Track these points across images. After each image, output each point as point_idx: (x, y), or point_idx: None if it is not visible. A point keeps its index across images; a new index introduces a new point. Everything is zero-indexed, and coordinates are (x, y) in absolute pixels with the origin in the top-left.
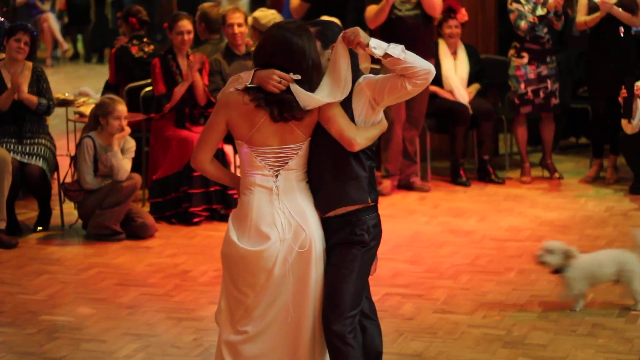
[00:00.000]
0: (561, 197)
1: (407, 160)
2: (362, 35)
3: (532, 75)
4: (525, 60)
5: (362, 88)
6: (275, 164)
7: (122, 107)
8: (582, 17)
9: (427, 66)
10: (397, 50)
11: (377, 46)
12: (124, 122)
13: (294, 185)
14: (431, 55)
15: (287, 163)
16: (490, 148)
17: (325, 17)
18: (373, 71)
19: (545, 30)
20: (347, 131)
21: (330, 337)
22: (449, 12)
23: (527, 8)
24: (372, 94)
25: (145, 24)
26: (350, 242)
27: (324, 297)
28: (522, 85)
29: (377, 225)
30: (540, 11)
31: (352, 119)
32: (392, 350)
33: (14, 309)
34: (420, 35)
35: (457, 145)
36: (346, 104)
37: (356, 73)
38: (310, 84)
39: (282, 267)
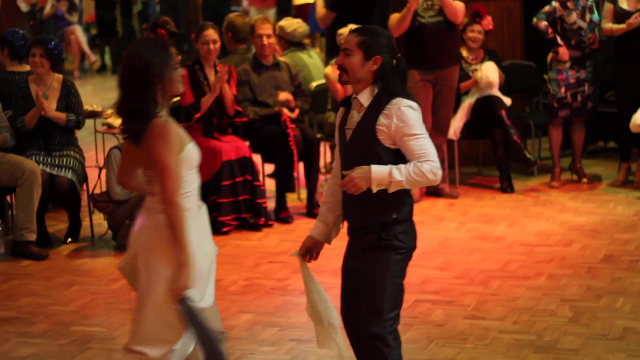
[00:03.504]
0: (590, 202)
1: None
2: (362, 183)
3: (572, 80)
4: (568, 64)
5: (390, 129)
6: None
7: None
8: (608, 23)
9: (432, 180)
10: (400, 176)
11: (379, 185)
12: None
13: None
14: (456, 61)
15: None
16: (504, 154)
17: (351, 26)
18: None
19: (590, 35)
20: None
21: (370, 339)
22: (475, 16)
23: (575, 13)
24: (393, 140)
25: (173, 35)
26: (382, 247)
27: (362, 301)
28: (562, 90)
29: (407, 233)
30: (588, 16)
31: (373, 127)
32: (423, 357)
33: (46, 320)
34: (444, 41)
35: (500, 148)
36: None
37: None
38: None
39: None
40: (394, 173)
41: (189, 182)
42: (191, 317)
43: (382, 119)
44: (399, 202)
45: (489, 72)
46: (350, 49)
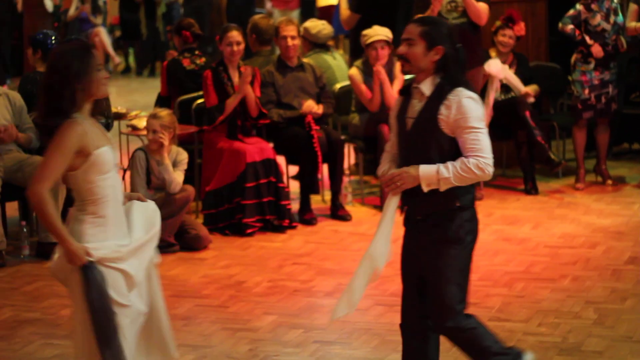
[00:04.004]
0: (615, 204)
1: None
2: (409, 180)
3: (596, 81)
4: (592, 66)
5: (449, 120)
6: None
7: (152, 121)
8: (632, 22)
9: (480, 176)
10: (447, 173)
11: (429, 184)
12: (161, 135)
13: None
14: (479, 63)
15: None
16: (528, 156)
17: (375, 27)
18: None
19: (614, 37)
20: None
21: (449, 333)
22: (508, 21)
23: (599, 15)
24: (451, 132)
25: (198, 37)
26: (446, 240)
27: (432, 297)
28: (586, 91)
29: (471, 220)
30: (612, 18)
31: (435, 117)
32: (448, 359)
33: (70, 322)
34: (467, 43)
35: (524, 149)
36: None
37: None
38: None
39: None
40: (441, 171)
41: (101, 187)
42: (91, 285)
43: (443, 109)
44: (462, 189)
45: (491, 66)
46: (412, 39)
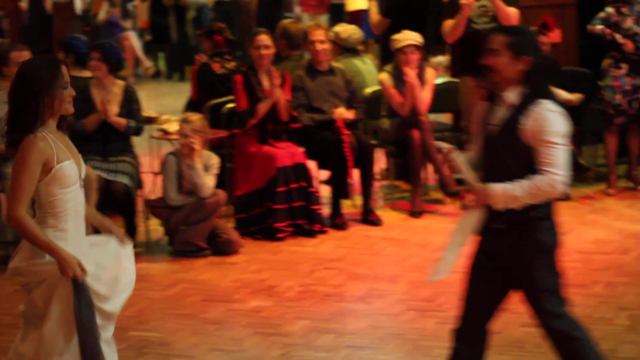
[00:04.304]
0: None
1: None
2: (482, 200)
3: (628, 87)
4: (624, 71)
5: (529, 131)
6: None
7: (183, 125)
8: None
9: (550, 193)
10: (517, 192)
11: (505, 203)
12: (192, 140)
13: None
14: None
15: None
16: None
17: (405, 32)
18: None
19: None
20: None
21: (556, 336)
22: (543, 27)
23: (630, 19)
24: (531, 143)
25: (230, 42)
26: (535, 250)
27: (532, 307)
28: (618, 97)
29: (554, 227)
30: None
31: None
32: None
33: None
34: None
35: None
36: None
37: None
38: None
39: None
40: (511, 190)
41: (62, 201)
42: (81, 304)
43: (524, 120)
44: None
45: None
46: (498, 49)
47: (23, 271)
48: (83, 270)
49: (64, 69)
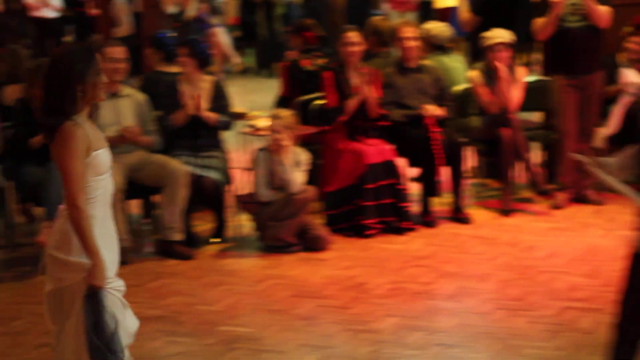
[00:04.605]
0: None
1: (581, 173)
2: None
3: None
4: None
5: None
6: None
7: (273, 121)
8: None
9: None
10: None
11: None
12: (283, 136)
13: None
14: (599, 67)
15: None
16: None
17: (496, 29)
18: None
19: None
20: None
21: None
22: (638, 28)
23: None
24: None
25: (320, 38)
26: None
27: None
28: None
29: None
30: None
31: None
32: None
33: (193, 320)
34: (589, 46)
35: None
36: None
37: None
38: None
39: None
40: None
41: (95, 189)
42: (94, 312)
43: None
44: None
45: (627, 76)
46: None
47: (59, 262)
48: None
49: (98, 56)
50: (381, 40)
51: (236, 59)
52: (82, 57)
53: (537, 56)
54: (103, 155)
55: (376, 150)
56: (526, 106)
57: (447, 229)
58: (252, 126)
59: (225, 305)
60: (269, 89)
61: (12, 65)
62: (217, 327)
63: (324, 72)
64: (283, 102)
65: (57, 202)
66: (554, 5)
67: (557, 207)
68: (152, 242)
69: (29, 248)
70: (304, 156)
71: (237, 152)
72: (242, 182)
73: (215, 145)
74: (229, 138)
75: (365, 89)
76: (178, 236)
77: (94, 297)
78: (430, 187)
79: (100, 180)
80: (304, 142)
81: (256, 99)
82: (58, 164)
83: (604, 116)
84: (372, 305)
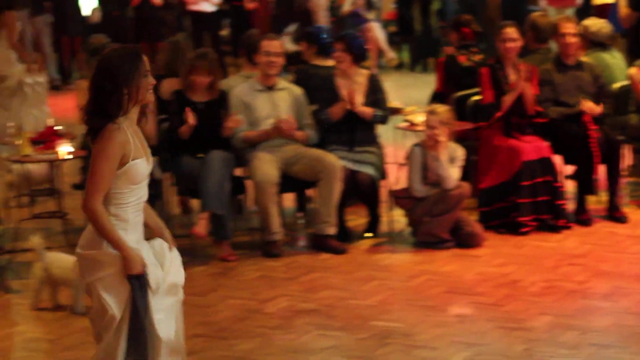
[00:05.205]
0: None
1: None
2: None
3: None
4: None
5: None
6: None
7: (430, 117)
8: None
9: None
10: None
11: None
12: (439, 131)
13: None
14: None
15: None
16: None
17: None
18: None
19: None
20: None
21: None
22: None
23: None
24: None
25: (477, 34)
26: None
27: None
28: None
29: None
30: None
31: None
32: None
33: (345, 314)
34: None
35: None
36: None
37: None
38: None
39: None
40: None
41: (128, 196)
42: (137, 296)
43: None
44: None
45: None
46: None
47: (86, 257)
48: (144, 266)
49: (144, 57)
50: (540, 36)
51: (391, 54)
52: (128, 60)
53: None
54: (140, 165)
55: (532, 147)
56: None
57: (603, 228)
58: (408, 121)
59: (378, 300)
60: (424, 84)
61: (172, 58)
62: (369, 321)
63: (481, 68)
64: (438, 97)
65: (213, 194)
66: None
67: None
68: (305, 236)
69: (186, 239)
70: (459, 152)
71: (393, 147)
72: (396, 178)
73: (371, 140)
74: (384, 133)
75: (522, 85)
76: (332, 230)
77: (137, 283)
78: (586, 185)
79: (134, 189)
80: (460, 138)
81: (411, 94)
82: (91, 161)
83: None
84: (525, 303)
